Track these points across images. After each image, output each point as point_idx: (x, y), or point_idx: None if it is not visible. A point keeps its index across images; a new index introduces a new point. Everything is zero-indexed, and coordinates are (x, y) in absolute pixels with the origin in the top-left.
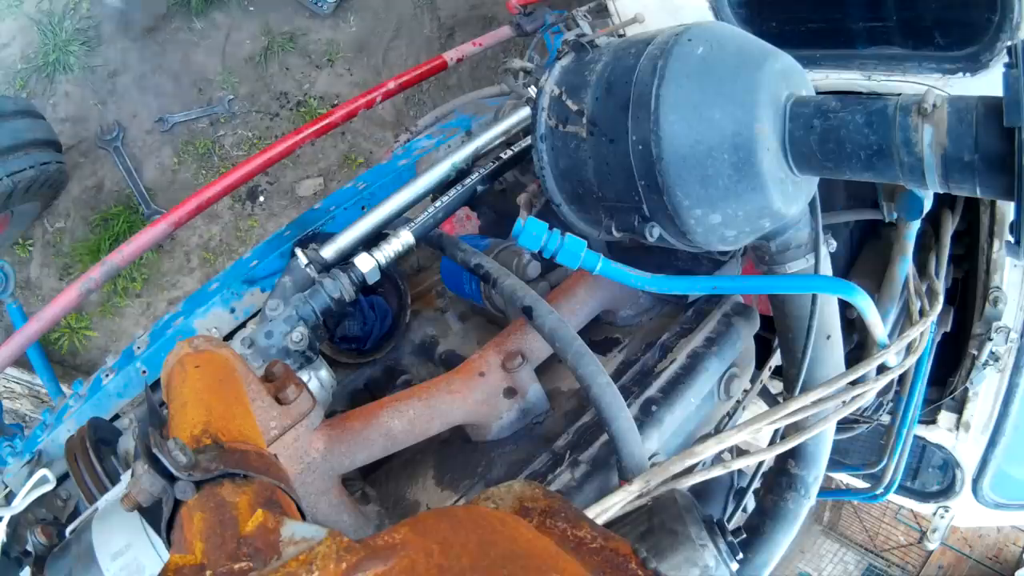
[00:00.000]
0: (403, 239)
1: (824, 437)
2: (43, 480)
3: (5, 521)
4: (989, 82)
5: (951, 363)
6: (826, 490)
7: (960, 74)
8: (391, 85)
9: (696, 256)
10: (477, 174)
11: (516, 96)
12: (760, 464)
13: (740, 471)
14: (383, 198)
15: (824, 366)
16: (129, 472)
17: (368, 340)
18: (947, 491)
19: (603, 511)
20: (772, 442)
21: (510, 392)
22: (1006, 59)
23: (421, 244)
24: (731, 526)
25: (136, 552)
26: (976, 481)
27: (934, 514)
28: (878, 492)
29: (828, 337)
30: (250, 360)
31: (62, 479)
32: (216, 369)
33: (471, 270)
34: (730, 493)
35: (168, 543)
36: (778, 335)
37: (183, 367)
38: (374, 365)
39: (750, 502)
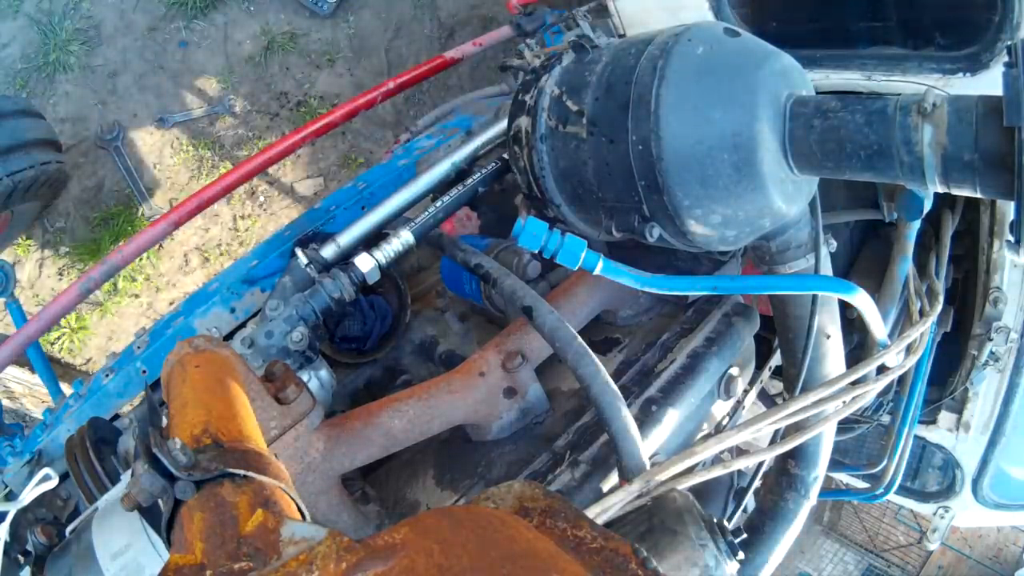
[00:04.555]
0: (403, 239)
1: (824, 437)
2: (46, 477)
3: (10, 517)
4: (989, 82)
5: (951, 363)
6: (826, 490)
7: (960, 74)
8: (391, 85)
9: (696, 256)
10: (478, 174)
11: None
12: (760, 464)
13: (740, 471)
14: (383, 198)
15: (824, 366)
16: (129, 472)
17: (368, 340)
18: (947, 491)
19: (603, 511)
20: (772, 442)
21: (510, 392)
22: (1006, 59)
23: (421, 244)
24: (731, 526)
25: (136, 552)
26: (976, 481)
27: (934, 514)
28: (878, 492)
29: (828, 337)
30: (250, 360)
31: (62, 479)
32: (216, 369)
33: (471, 270)
34: (730, 493)
35: (168, 543)
36: (778, 335)
37: (183, 367)
38: (374, 365)
39: (750, 502)
